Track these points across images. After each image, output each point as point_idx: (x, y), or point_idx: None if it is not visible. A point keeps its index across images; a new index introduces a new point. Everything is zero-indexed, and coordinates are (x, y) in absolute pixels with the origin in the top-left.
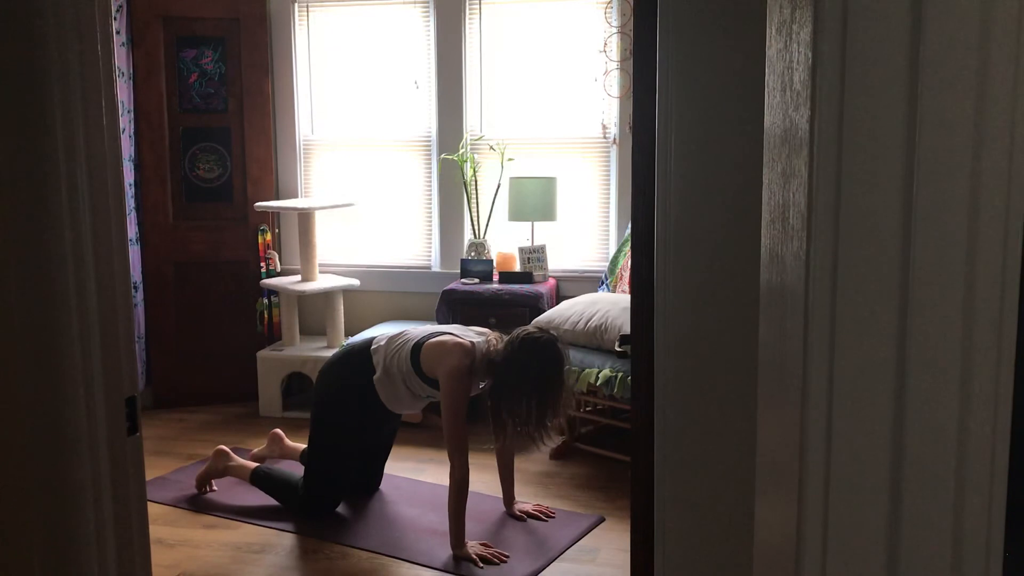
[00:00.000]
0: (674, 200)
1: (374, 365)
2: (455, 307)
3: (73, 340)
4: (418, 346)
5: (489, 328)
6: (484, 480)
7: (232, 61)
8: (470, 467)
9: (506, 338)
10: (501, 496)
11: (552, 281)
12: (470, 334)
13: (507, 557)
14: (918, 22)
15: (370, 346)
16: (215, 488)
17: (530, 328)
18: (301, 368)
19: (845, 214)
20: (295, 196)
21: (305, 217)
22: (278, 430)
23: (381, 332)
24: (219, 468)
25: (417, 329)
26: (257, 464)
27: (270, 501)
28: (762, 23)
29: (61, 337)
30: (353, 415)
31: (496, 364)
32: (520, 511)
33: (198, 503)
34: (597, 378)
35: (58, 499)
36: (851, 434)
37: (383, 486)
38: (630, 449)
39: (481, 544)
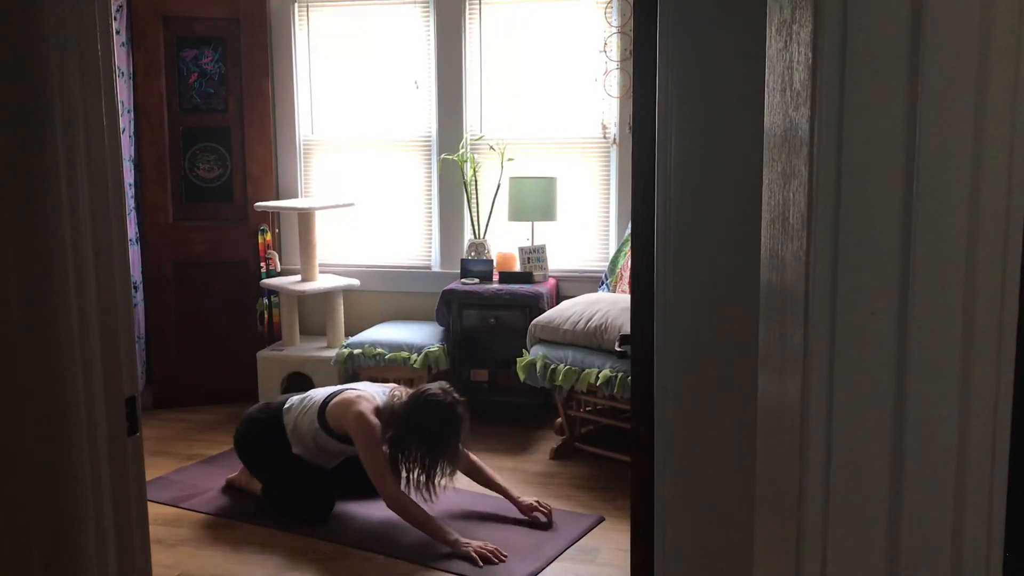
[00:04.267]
0: (674, 200)
1: (284, 425)
2: (455, 307)
3: (73, 340)
4: (324, 405)
5: (395, 385)
6: None
7: (232, 61)
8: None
9: (411, 392)
10: (499, 495)
11: (552, 281)
12: (375, 389)
13: (506, 557)
14: (918, 22)
15: (283, 406)
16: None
17: (434, 389)
18: (301, 368)
19: (845, 214)
20: (295, 196)
21: (305, 217)
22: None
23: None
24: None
25: (323, 390)
26: None
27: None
28: (762, 23)
29: (61, 337)
30: (284, 458)
31: (398, 416)
32: (524, 504)
33: (198, 503)
34: (597, 378)
35: (58, 499)
36: (851, 434)
37: None
38: (630, 449)
39: (480, 543)
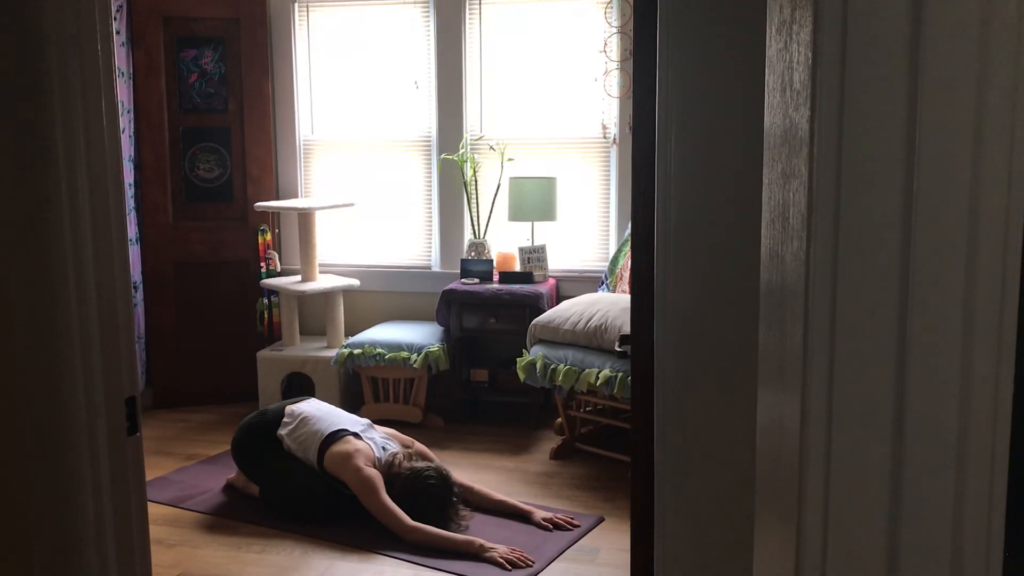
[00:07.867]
0: (674, 200)
1: (279, 436)
2: (455, 307)
3: (73, 340)
4: (321, 451)
5: (394, 433)
6: (484, 480)
7: (232, 61)
8: (463, 470)
9: (412, 466)
10: (501, 497)
11: (552, 281)
12: (374, 436)
13: (533, 561)
14: (918, 22)
15: (279, 416)
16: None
17: (434, 479)
18: (301, 368)
19: (845, 214)
20: (295, 196)
21: (305, 217)
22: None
23: (292, 408)
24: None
25: (321, 422)
26: None
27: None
28: (762, 23)
29: (61, 337)
30: (281, 461)
31: (395, 488)
32: (536, 521)
33: (198, 503)
34: (597, 378)
35: (58, 499)
36: (851, 434)
37: None
38: (630, 449)
39: (506, 548)
